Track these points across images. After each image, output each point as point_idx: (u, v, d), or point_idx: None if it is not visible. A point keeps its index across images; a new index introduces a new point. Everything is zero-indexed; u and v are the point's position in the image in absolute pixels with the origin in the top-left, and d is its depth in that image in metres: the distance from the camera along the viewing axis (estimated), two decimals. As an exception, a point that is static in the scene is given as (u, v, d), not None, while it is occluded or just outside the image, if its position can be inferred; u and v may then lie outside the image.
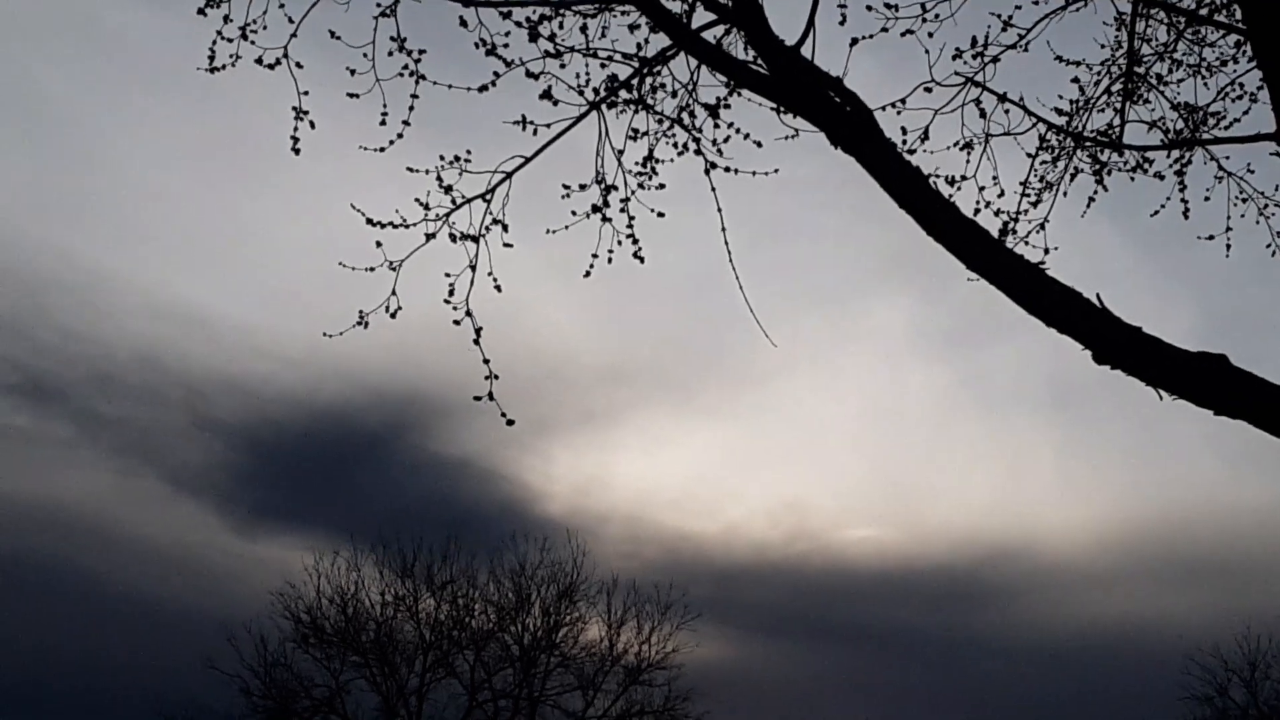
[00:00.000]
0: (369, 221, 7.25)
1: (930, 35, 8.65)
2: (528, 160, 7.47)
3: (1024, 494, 67.91)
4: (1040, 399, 71.67)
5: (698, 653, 40.79)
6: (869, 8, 8.54)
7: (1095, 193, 9.86)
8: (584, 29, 7.52)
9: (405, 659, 38.83)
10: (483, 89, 7.35)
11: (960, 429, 70.53)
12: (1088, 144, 9.74)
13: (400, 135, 7.36)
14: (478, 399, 6.88)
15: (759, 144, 7.75)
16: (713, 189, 7.64)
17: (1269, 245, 9.30)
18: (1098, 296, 5.75)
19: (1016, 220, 9.69)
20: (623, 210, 7.80)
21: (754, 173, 7.78)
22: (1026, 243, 9.66)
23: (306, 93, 7.27)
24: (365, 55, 7.27)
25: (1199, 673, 43.10)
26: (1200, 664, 43.06)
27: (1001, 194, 9.52)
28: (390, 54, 7.32)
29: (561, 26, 7.47)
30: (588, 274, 7.66)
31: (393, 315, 7.25)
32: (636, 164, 7.91)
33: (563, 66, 7.44)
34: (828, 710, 52.28)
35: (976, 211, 9.40)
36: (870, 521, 64.90)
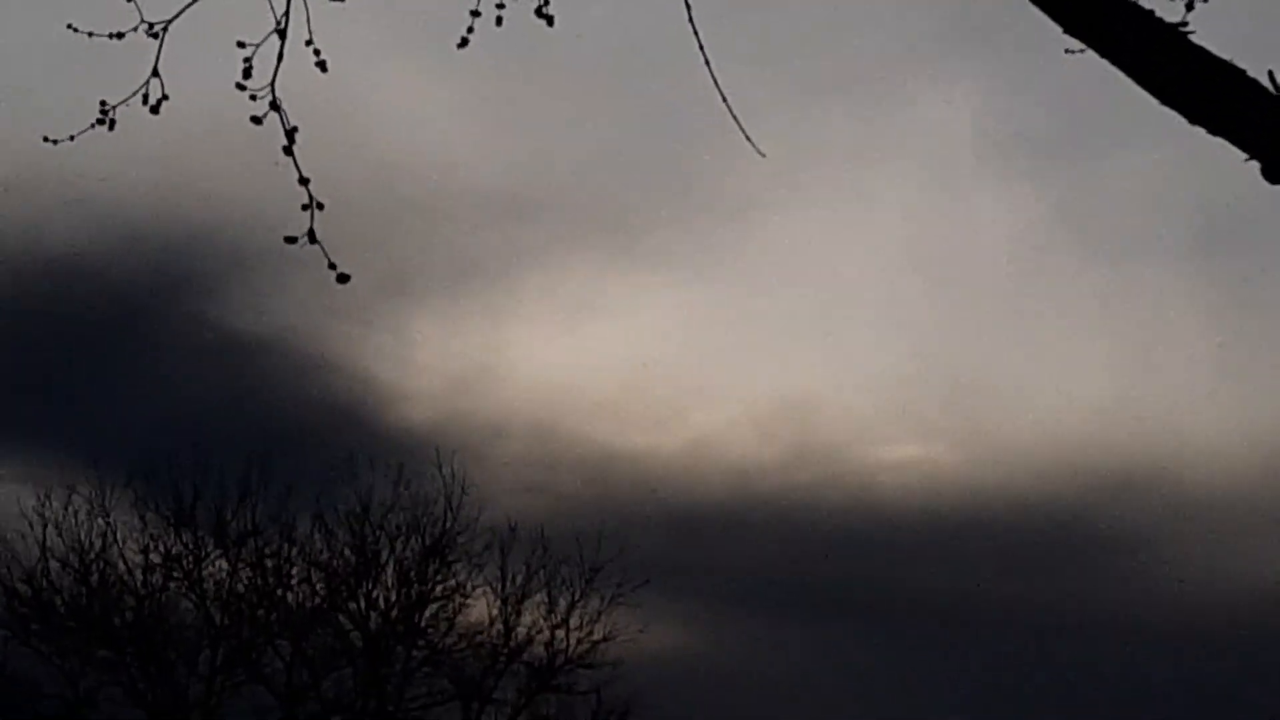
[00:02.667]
0: (116, -36, 5.30)
1: None
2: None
3: (1157, 392, 49.54)
4: (1182, 242, 51.32)
5: (644, 640, 30.69)
6: None
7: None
8: None
9: (183, 654, 30.13)
10: None
11: (1058, 289, 51.17)
12: None
13: None
14: (291, 241, 4.96)
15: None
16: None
17: None
18: (1270, 75, 4.33)
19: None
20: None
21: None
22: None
23: None
24: None
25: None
26: None
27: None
28: None
29: None
30: (463, 43, 5.66)
31: (154, 110, 5.33)
32: None
33: None
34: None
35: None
36: (916, 436, 47.93)
